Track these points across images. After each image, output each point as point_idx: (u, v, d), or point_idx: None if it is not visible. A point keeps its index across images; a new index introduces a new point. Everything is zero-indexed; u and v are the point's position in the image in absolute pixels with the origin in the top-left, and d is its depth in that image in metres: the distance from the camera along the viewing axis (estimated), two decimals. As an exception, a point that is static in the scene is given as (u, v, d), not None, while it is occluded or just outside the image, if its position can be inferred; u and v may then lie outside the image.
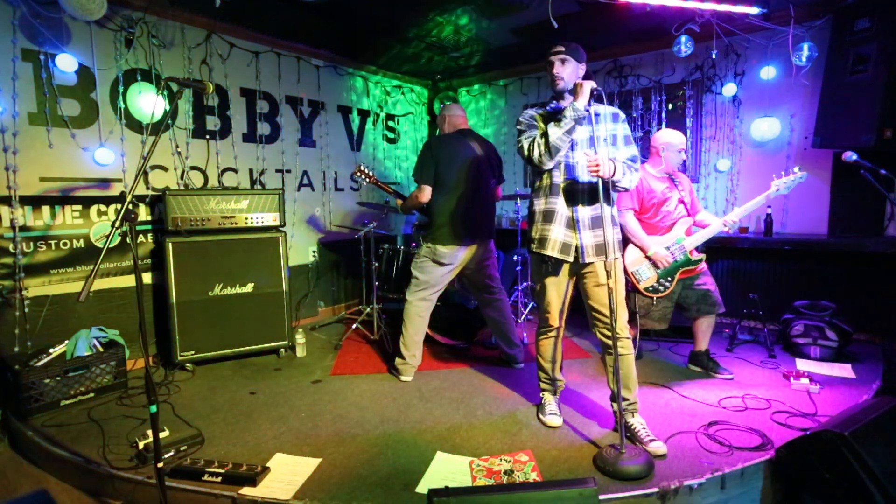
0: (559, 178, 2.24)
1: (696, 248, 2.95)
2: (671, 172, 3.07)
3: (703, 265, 3.03)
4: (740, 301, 3.74)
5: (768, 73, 3.88)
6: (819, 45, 3.48)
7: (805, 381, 2.79)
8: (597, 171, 2.04)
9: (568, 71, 2.21)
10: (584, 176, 2.22)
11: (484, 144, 3.15)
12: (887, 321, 3.48)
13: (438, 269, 3.03)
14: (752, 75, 4.01)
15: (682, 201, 3.05)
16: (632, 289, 3.01)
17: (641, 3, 3.19)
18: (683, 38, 3.66)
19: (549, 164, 2.19)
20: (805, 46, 3.44)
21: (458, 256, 3.01)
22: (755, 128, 3.99)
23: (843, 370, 3.04)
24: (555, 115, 2.20)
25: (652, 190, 3.00)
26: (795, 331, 3.34)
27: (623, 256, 2.79)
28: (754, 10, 3.33)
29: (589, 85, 2.09)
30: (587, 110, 2.10)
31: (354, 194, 4.97)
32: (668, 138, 3.02)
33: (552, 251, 2.24)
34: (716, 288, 3.03)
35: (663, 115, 4.43)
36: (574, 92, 2.13)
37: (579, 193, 2.23)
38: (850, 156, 2.41)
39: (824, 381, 2.87)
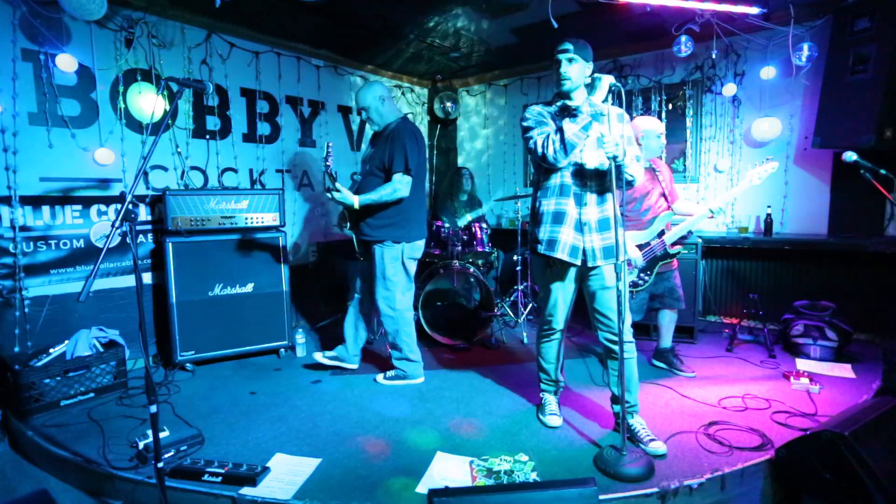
0: (569, 178, 2.20)
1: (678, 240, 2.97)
2: (651, 161, 3.04)
3: (675, 262, 3.06)
4: (740, 301, 3.74)
5: (768, 73, 3.87)
6: (819, 45, 3.48)
7: (805, 381, 2.79)
8: (613, 148, 1.97)
9: (576, 71, 2.12)
10: (592, 164, 2.17)
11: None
12: (887, 321, 3.48)
13: (412, 265, 2.99)
14: (752, 75, 4.01)
15: (662, 194, 3.04)
16: None
17: (641, 3, 3.19)
18: (683, 38, 3.65)
19: (563, 162, 2.13)
20: (805, 46, 3.44)
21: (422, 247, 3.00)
22: (756, 128, 3.98)
23: (843, 370, 3.04)
24: (568, 112, 2.16)
25: None
26: (795, 331, 3.34)
27: None
28: (754, 10, 3.33)
29: (608, 80, 2.02)
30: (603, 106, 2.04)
31: (354, 194, 4.97)
32: (647, 125, 2.96)
33: (561, 254, 2.19)
34: (680, 285, 3.09)
35: (663, 114, 4.43)
36: (591, 86, 2.06)
37: (588, 194, 2.20)
38: (850, 156, 2.41)
39: (824, 381, 2.86)
